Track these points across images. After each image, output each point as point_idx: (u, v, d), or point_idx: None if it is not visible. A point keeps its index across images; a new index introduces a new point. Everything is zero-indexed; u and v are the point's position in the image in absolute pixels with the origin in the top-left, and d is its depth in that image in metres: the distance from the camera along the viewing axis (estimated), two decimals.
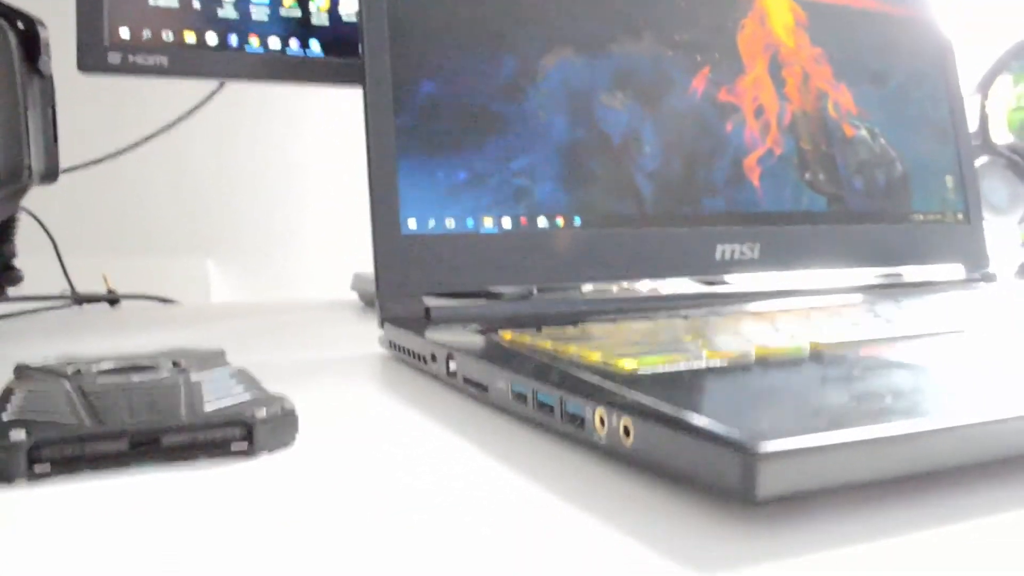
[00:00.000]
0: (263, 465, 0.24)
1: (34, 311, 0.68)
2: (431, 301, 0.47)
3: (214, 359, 0.36)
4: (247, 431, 0.25)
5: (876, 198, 0.64)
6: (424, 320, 0.46)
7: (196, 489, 0.22)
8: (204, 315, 0.70)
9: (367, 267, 0.89)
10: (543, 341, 0.36)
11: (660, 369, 0.30)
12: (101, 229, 1.02)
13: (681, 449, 0.21)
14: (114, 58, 0.54)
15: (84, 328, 0.62)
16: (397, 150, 0.47)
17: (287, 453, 0.25)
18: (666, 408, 0.22)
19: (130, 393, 0.27)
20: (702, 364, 0.31)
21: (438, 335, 0.39)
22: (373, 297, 0.75)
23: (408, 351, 0.41)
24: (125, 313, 0.73)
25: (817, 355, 0.33)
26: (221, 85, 0.72)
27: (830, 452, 0.19)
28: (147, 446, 0.24)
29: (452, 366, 0.35)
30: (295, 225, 1.16)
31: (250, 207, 1.13)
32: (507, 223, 0.50)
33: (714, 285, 0.63)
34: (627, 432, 0.23)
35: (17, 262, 0.61)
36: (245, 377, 0.31)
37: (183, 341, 0.53)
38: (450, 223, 0.48)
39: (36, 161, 0.47)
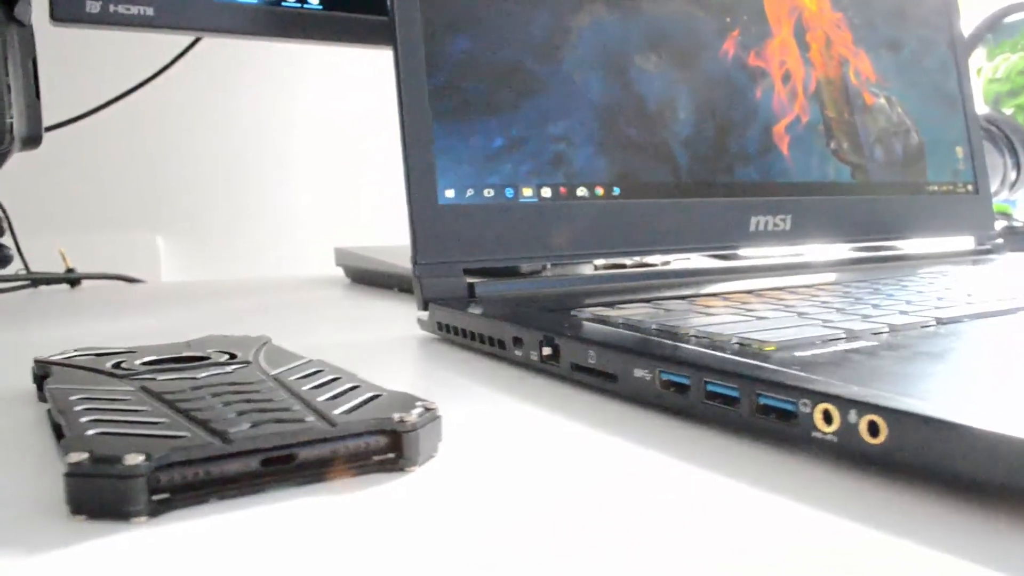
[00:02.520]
0: (418, 480, 0.20)
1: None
2: (467, 274, 0.43)
3: (269, 348, 0.31)
4: (394, 440, 0.20)
5: (895, 168, 0.62)
6: (467, 299, 0.42)
7: (351, 514, 0.18)
8: (176, 295, 0.64)
9: (339, 241, 0.84)
10: (642, 321, 0.32)
11: (801, 352, 0.26)
12: (50, 204, 0.94)
13: (955, 447, 0.18)
14: (93, 7, 0.48)
15: (49, 312, 0.55)
16: (432, 113, 0.43)
17: (437, 463, 0.21)
18: (919, 404, 0.19)
19: (221, 396, 0.22)
20: (849, 343, 0.28)
21: (511, 317, 0.35)
22: (360, 273, 0.70)
23: (473, 335, 0.36)
24: (88, 294, 0.66)
25: (948, 329, 0.30)
26: (194, 43, 0.66)
27: None
28: (281, 463, 0.19)
29: (546, 351, 0.31)
30: (251, 201, 1.09)
31: (204, 183, 1.05)
32: (546, 192, 0.46)
33: (729, 259, 0.61)
34: (874, 430, 0.19)
35: None
36: (336, 370, 0.26)
37: (172, 324, 0.48)
38: (488, 193, 0.44)
39: (18, 123, 0.41)
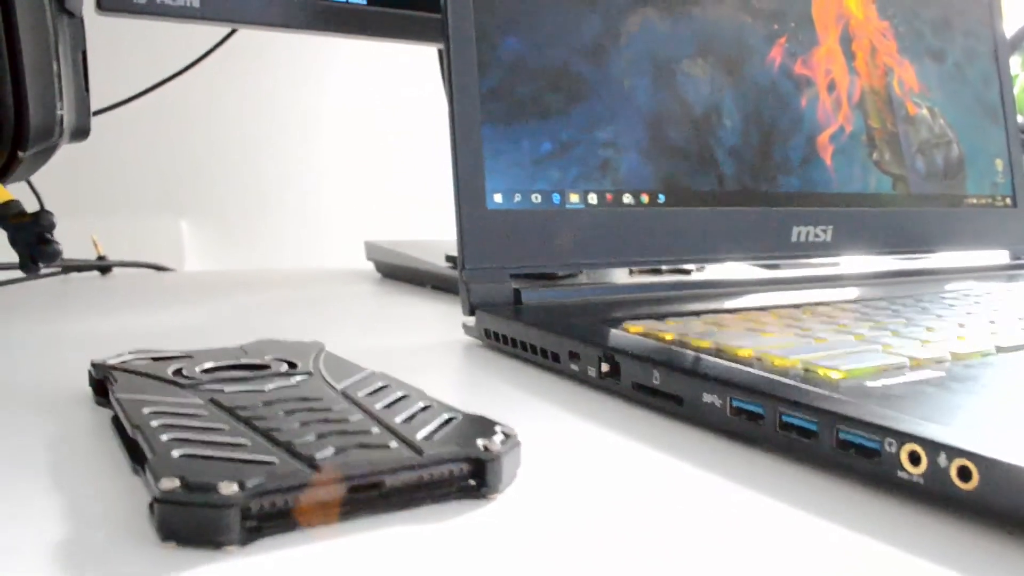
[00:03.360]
0: (501, 508, 0.20)
1: (17, 281, 0.61)
2: (513, 280, 0.43)
3: (327, 356, 0.31)
4: (477, 467, 0.20)
5: (935, 180, 0.61)
6: (513, 305, 0.42)
7: (440, 544, 0.18)
8: (207, 286, 0.64)
9: (365, 234, 0.84)
10: (699, 340, 0.32)
11: (871, 381, 0.26)
12: (75, 188, 0.94)
13: None
14: None
15: (85, 302, 0.55)
16: (483, 116, 0.43)
17: (516, 490, 0.21)
18: (1013, 451, 0.19)
19: (295, 413, 0.22)
20: (915, 373, 0.27)
21: (567, 330, 0.35)
22: (391, 268, 0.70)
23: (525, 345, 0.36)
24: (119, 282, 0.66)
25: (1009, 359, 0.30)
26: (230, 34, 0.66)
27: None
28: (367, 490, 0.19)
29: (604, 368, 0.31)
30: (277, 190, 1.09)
31: (230, 170, 1.05)
32: (593, 199, 0.46)
33: (769, 269, 0.60)
34: (965, 475, 0.19)
35: None
36: (402, 385, 0.26)
37: (208, 319, 0.48)
38: (536, 198, 0.44)
39: (67, 115, 0.41)
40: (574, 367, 0.33)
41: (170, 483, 0.17)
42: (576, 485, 0.21)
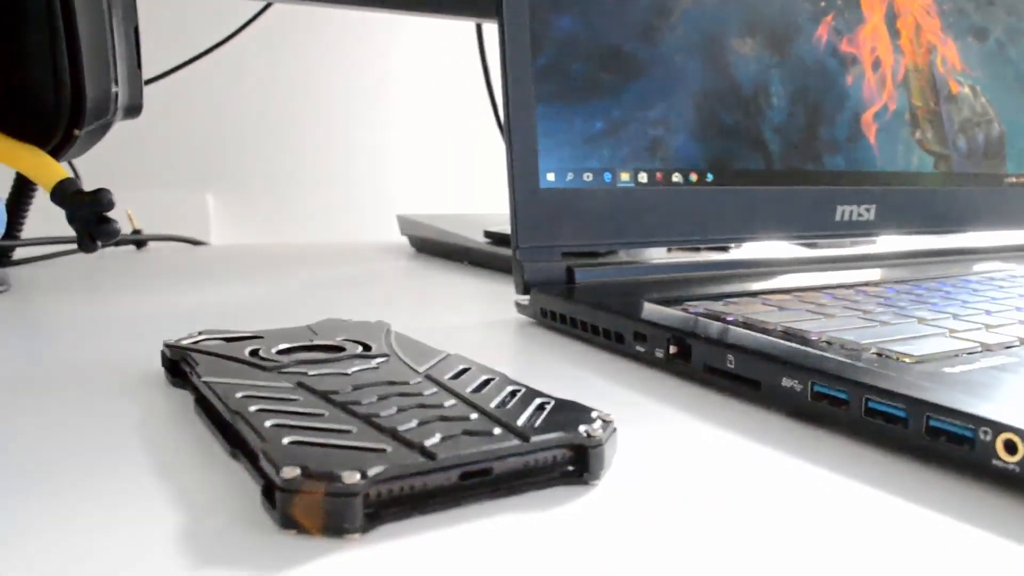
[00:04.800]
0: (604, 494, 0.20)
1: (52, 256, 0.61)
2: (566, 258, 0.43)
3: (398, 337, 0.31)
4: (579, 454, 0.20)
5: (976, 159, 0.61)
6: (566, 284, 0.42)
7: (551, 529, 0.18)
8: (242, 260, 0.64)
9: (393, 207, 0.84)
10: (765, 321, 0.32)
11: (947, 368, 0.26)
12: (103, 158, 0.94)
13: None
14: None
15: (124, 275, 0.56)
16: (535, 94, 0.42)
17: (615, 475, 0.21)
18: None
19: (388, 398, 0.22)
20: (988, 358, 0.27)
21: (629, 311, 0.35)
22: (426, 243, 0.70)
23: (585, 325, 0.36)
24: (155, 256, 0.66)
25: None
26: (265, 8, 0.65)
27: None
28: (477, 477, 0.19)
29: (673, 349, 0.31)
30: (301, 164, 1.09)
31: (255, 141, 1.05)
32: (643, 177, 0.46)
33: (813, 247, 0.60)
34: None
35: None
36: (484, 368, 0.26)
37: (252, 294, 0.48)
38: (588, 177, 0.44)
39: (121, 92, 0.41)
40: (639, 348, 0.33)
41: (291, 471, 0.17)
42: (668, 471, 0.22)
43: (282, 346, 0.29)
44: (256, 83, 1.03)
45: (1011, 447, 0.20)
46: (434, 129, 1.11)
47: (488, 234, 0.62)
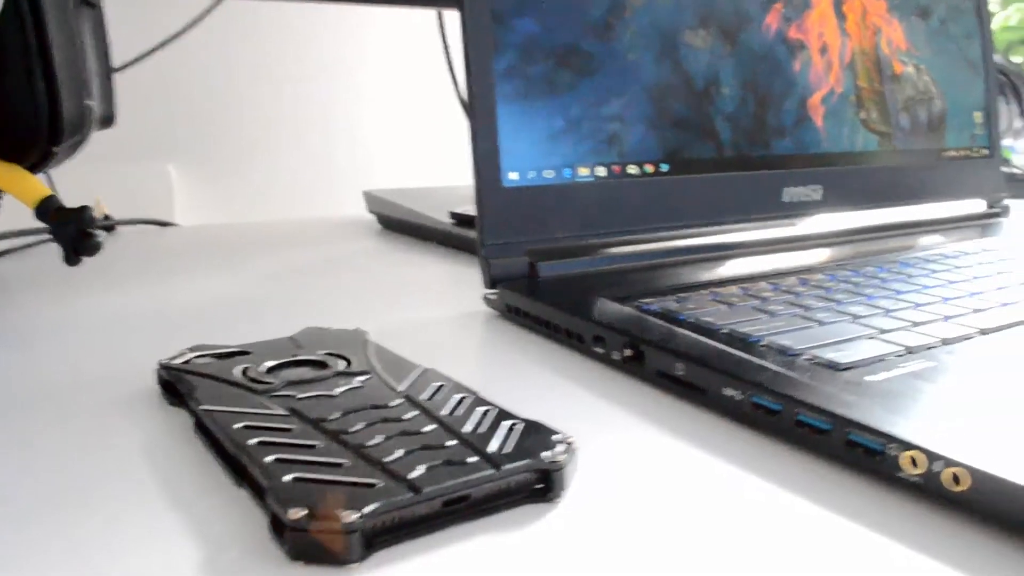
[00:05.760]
0: (567, 509, 0.23)
1: (20, 248, 0.63)
2: (530, 253, 0.45)
3: (377, 350, 0.33)
4: (545, 476, 0.23)
5: (918, 136, 0.64)
6: (531, 278, 0.44)
7: (529, 547, 0.21)
8: (212, 244, 0.66)
9: (367, 177, 0.85)
10: (713, 323, 0.35)
11: (870, 376, 0.29)
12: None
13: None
14: None
15: (100, 269, 0.57)
16: (497, 96, 0.44)
17: (575, 489, 0.24)
18: (997, 462, 0.22)
19: (374, 424, 0.25)
20: (910, 363, 0.30)
21: (590, 313, 0.37)
22: (393, 222, 0.72)
23: (548, 323, 0.39)
24: (126, 243, 0.68)
25: (994, 342, 0.33)
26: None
27: None
28: (457, 503, 0.22)
29: (628, 352, 0.34)
30: (266, 137, 1.09)
31: (219, 113, 1.05)
32: (601, 171, 0.48)
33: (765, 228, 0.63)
34: (956, 480, 0.22)
35: None
36: (457, 386, 0.29)
37: (227, 286, 0.50)
38: (549, 174, 0.46)
39: (96, 105, 0.42)
40: (598, 349, 0.36)
41: (297, 512, 0.20)
42: (621, 482, 0.25)
43: (270, 364, 0.31)
44: (220, 55, 1.03)
45: (914, 462, 0.23)
46: (401, 102, 1.12)
47: (454, 215, 0.64)
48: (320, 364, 0.31)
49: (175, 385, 0.30)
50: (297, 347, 0.33)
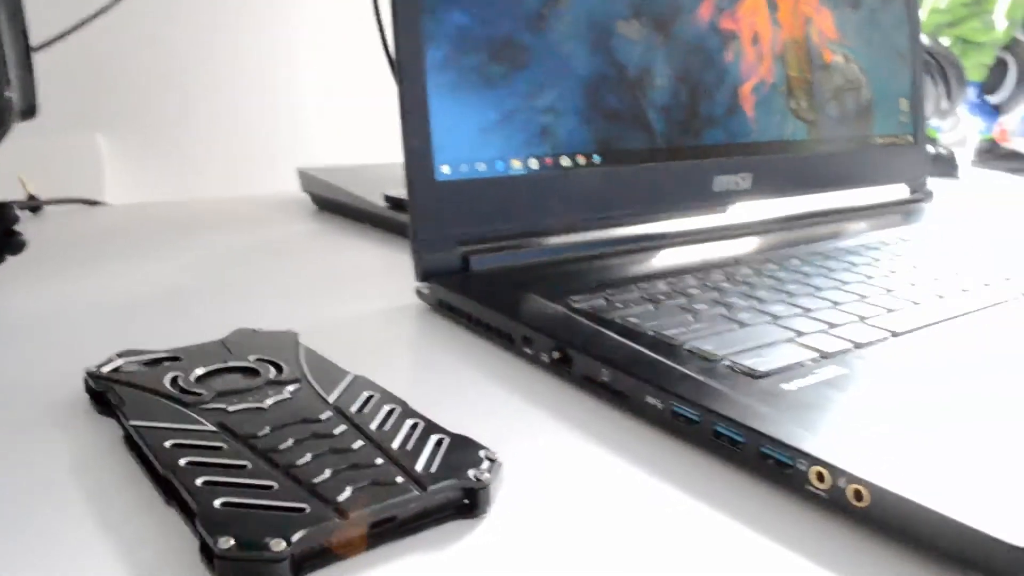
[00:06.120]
0: (494, 523, 0.24)
1: None
2: (462, 246, 0.46)
3: (307, 354, 0.34)
4: (470, 494, 0.24)
5: (846, 123, 0.66)
6: (463, 271, 0.45)
7: (455, 562, 0.22)
8: (142, 227, 0.65)
9: (290, 155, 0.84)
10: (639, 325, 0.36)
11: (785, 384, 0.31)
12: None
13: (933, 529, 0.22)
14: None
15: (27, 256, 0.56)
16: (429, 91, 0.44)
17: (500, 503, 0.25)
18: (908, 486, 0.23)
19: (304, 442, 0.26)
20: (824, 369, 0.32)
21: (518, 311, 0.38)
22: (326, 202, 0.72)
23: (479, 321, 0.40)
24: (53, 224, 0.66)
25: (905, 346, 0.35)
26: None
27: None
28: (385, 524, 0.23)
29: (555, 355, 0.35)
30: (205, 108, 1.07)
31: (153, 82, 1.02)
32: (534, 164, 0.48)
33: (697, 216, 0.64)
34: (859, 496, 0.24)
35: None
36: (387, 396, 0.30)
37: (157, 274, 0.49)
38: (481, 167, 0.47)
39: (15, 96, 0.41)
40: (527, 350, 0.37)
41: (226, 542, 0.20)
42: (547, 492, 0.26)
43: (200, 372, 0.31)
44: (153, 22, 1.00)
45: (821, 477, 0.25)
46: (341, 73, 1.10)
47: (388, 198, 0.64)
48: (251, 371, 0.32)
49: (105, 396, 0.30)
50: (228, 352, 0.34)
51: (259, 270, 0.52)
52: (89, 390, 0.31)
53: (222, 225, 0.65)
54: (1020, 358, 0.34)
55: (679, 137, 0.55)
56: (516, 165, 0.48)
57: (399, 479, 0.24)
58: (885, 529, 0.24)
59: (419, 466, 0.24)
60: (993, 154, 1.04)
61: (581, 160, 0.50)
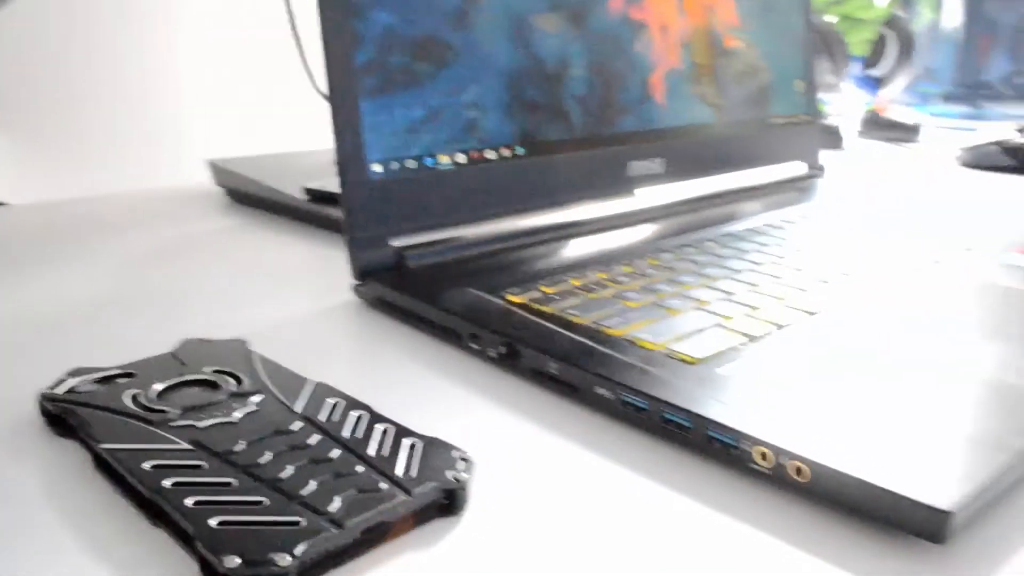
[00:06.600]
0: (472, 520, 0.26)
1: None
2: (396, 243, 0.47)
3: (264, 363, 0.34)
4: (450, 495, 0.25)
5: (748, 106, 0.69)
6: (399, 270, 0.46)
7: (444, 564, 0.24)
8: (51, 229, 0.63)
9: (212, 148, 0.82)
10: (578, 316, 0.38)
11: (720, 368, 0.33)
12: None
13: (867, 498, 0.25)
14: None
15: None
16: (359, 91, 0.45)
17: (478, 502, 0.27)
18: (843, 460, 0.26)
19: (283, 455, 0.27)
20: (751, 354, 0.35)
21: (461, 308, 0.40)
22: (242, 195, 0.71)
23: (421, 319, 0.41)
24: None
25: (822, 325, 0.38)
26: None
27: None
28: (375, 531, 0.24)
29: (502, 350, 0.36)
30: (104, 97, 1.03)
31: (50, 76, 0.97)
32: (461, 158, 0.50)
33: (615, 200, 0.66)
34: (799, 472, 0.26)
35: None
36: (353, 402, 0.31)
37: (82, 280, 0.48)
38: (411, 164, 0.47)
39: None
40: (474, 346, 0.38)
41: (232, 561, 0.21)
42: (517, 485, 0.27)
43: (159, 387, 0.32)
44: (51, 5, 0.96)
45: (764, 456, 0.27)
46: (246, 59, 1.07)
47: (309, 191, 0.64)
48: (211, 384, 0.32)
49: (64, 418, 0.30)
50: (182, 364, 0.34)
51: (185, 272, 0.52)
52: (46, 413, 0.31)
53: (136, 224, 0.64)
54: (929, 326, 0.38)
55: (596, 126, 0.57)
56: (444, 160, 0.49)
57: (383, 485, 0.25)
58: (826, 500, 0.26)
59: (399, 471, 0.26)
60: (875, 124, 1.10)
61: (505, 152, 0.52)
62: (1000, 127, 0.96)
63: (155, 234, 0.61)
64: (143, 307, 0.45)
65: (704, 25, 0.65)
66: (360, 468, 0.26)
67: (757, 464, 0.28)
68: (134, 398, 0.31)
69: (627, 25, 0.59)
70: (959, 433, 0.28)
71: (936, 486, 0.25)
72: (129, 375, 0.33)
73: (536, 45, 0.53)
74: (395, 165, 0.47)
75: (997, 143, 0.90)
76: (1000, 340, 0.36)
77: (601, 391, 0.32)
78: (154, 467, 0.26)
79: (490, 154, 0.51)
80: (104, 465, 0.27)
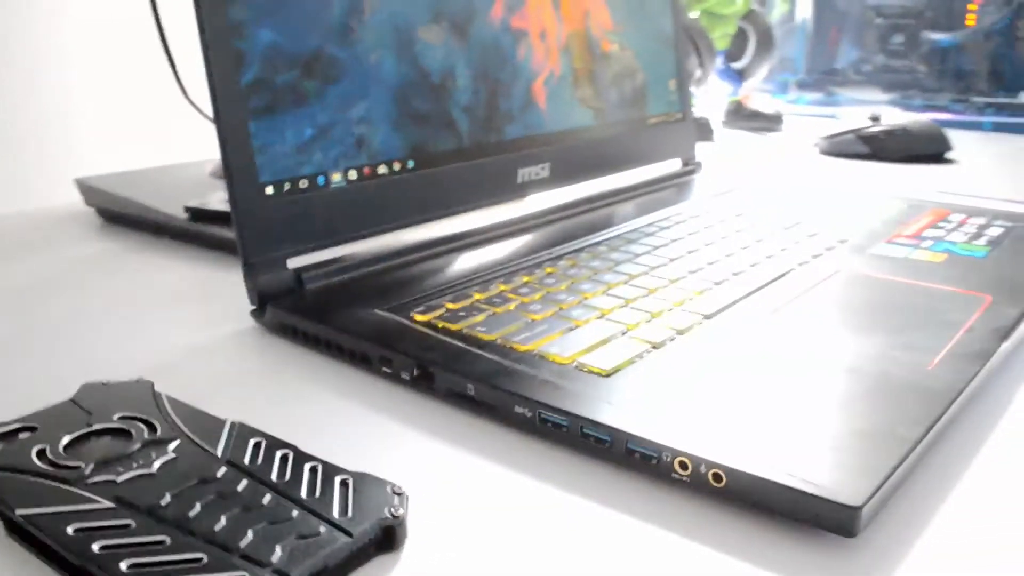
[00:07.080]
0: (414, 557, 0.26)
1: None
2: (293, 264, 0.46)
3: (175, 405, 0.33)
4: (388, 531, 0.26)
5: (625, 107, 0.71)
6: (298, 293, 0.45)
7: None
8: None
9: (74, 166, 0.78)
10: (486, 334, 0.39)
11: (630, 374, 0.35)
12: None
13: (782, 499, 0.27)
14: None
15: None
16: (247, 113, 0.44)
17: (414, 535, 0.27)
18: (758, 465, 0.28)
19: (210, 505, 0.26)
20: (655, 362, 0.36)
21: (369, 332, 0.40)
22: (116, 215, 0.68)
23: (329, 343, 0.41)
24: None
25: (718, 326, 0.40)
26: None
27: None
28: None
29: (416, 372, 0.37)
30: None
31: None
32: (353, 175, 0.49)
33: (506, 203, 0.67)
34: (717, 478, 0.28)
35: None
36: (274, 441, 0.30)
37: None
38: (304, 184, 0.47)
39: None
40: (386, 369, 0.38)
41: None
42: (448, 513, 0.28)
43: (66, 440, 0.30)
44: None
45: (684, 465, 0.29)
46: (114, 70, 1.02)
47: (189, 210, 0.62)
48: (122, 432, 0.31)
49: None
50: (86, 413, 0.32)
51: (68, 304, 0.49)
52: None
53: (2, 252, 0.60)
54: (817, 323, 0.40)
55: (483, 135, 0.58)
56: (336, 178, 0.49)
57: (322, 529, 0.25)
58: (743, 502, 0.28)
59: (335, 512, 0.26)
60: (739, 115, 1.15)
61: (396, 167, 0.52)
62: (854, 112, 1.02)
63: (26, 263, 0.58)
64: (28, 347, 0.43)
65: (581, 30, 0.67)
66: (295, 512, 0.26)
67: (677, 473, 0.29)
68: (40, 454, 0.29)
69: (508, 33, 0.60)
70: (857, 428, 0.30)
71: (844, 483, 0.27)
72: (31, 428, 0.31)
73: (421, 57, 0.53)
74: (287, 186, 0.46)
75: (853, 131, 0.96)
76: (882, 332, 0.39)
77: (520, 410, 0.33)
78: (78, 531, 0.25)
79: (382, 169, 0.51)
80: (18, 530, 0.26)
